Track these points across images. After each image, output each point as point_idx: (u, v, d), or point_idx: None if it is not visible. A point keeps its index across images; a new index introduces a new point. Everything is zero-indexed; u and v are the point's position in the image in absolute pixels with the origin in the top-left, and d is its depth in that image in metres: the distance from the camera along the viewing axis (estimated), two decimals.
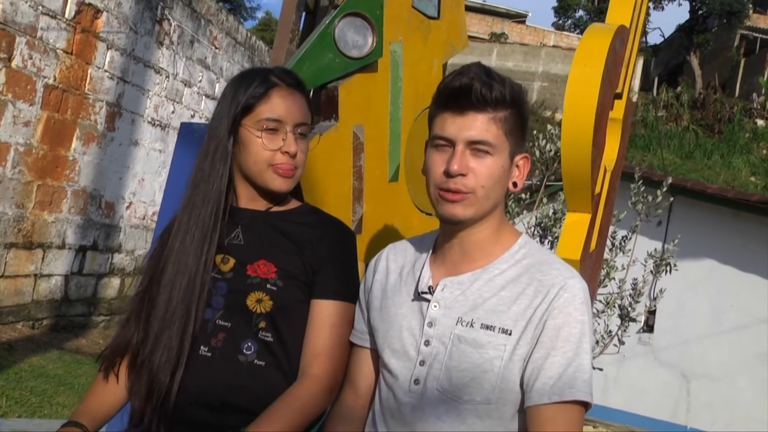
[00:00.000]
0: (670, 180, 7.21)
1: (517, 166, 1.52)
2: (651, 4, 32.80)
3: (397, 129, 2.42)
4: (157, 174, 8.59)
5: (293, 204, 1.80)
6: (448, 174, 1.44)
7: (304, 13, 2.66)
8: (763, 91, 23.54)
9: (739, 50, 28.93)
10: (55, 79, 6.68)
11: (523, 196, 7.05)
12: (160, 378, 1.58)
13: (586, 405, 1.39)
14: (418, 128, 2.51)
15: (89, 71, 7.08)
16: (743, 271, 9.08)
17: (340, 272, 1.71)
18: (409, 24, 2.45)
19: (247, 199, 1.75)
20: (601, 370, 5.80)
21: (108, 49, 7.29)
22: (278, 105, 1.67)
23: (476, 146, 1.44)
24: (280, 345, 1.63)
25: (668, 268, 7.58)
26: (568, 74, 2.25)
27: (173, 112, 8.66)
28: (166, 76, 8.37)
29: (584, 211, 2.45)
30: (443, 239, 1.57)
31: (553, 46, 27.17)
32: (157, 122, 8.37)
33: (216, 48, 9.30)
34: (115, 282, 8.22)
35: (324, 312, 1.67)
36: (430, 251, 1.60)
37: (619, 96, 2.67)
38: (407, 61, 2.44)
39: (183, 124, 2.63)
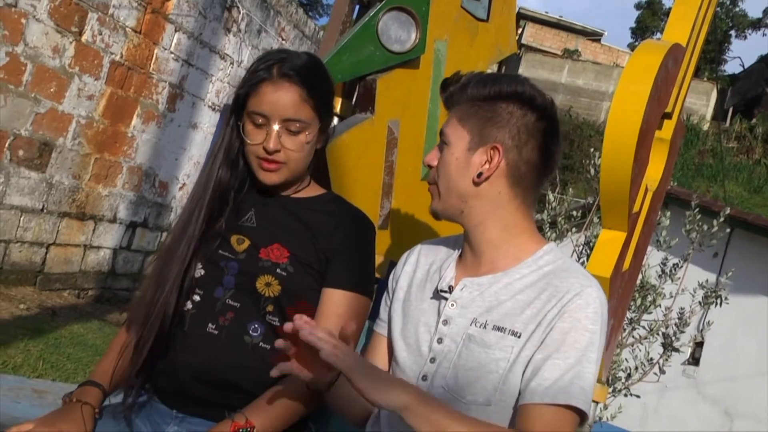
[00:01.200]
0: (728, 210, 7.01)
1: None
2: (733, 32, 32.00)
3: (434, 127, 2.41)
4: None
5: (316, 191, 1.81)
6: None
7: (358, 6, 2.67)
8: None
9: None
10: (121, 56, 6.84)
11: (574, 213, 6.96)
12: (145, 335, 1.62)
13: (581, 415, 1.36)
14: None
15: (155, 51, 7.24)
16: None
17: (354, 263, 1.71)
18: (457, 24, 2.44)
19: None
20: (638, 397, 5.68)
21: (176, 31, 7.43)
22: (263, 100, 1.65)
23: None
24: None
25: (719, 301, 7.38)
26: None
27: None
28: (231, 63, 8.49)
29: (620, 229, 2.40)
30: (464, 242, 1.57)
31: (614, 64, 26.74)
32: (217, 107, 8.50)
33: (283, 39, 9.41)
34: None
35: (332, 300, 1.67)
36: (459, 251, 1.59)
37: (669, 116, 2.61)
38: (451, 61, 2.42)
39: (225, 106, 2.67)
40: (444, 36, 2.40)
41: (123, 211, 7.51)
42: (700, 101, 24.73)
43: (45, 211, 6.53)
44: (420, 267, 1.63)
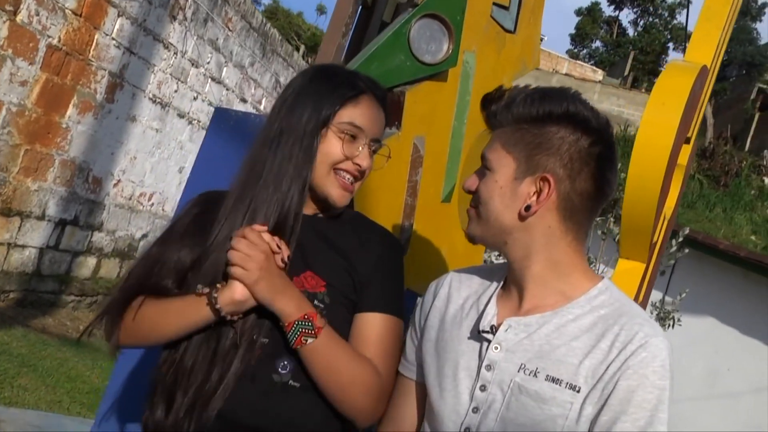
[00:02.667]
0: (687, 230, 7.13)
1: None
2: (671, 44, 33.07)
3: (458, 146, 2.30)
4: (150, 154, 8.42)
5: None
6: None
7: (360, 7, 2.55)
8: None
9: (755, 104, 29.16)
10: (59, 40, 6.51)
11: None
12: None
13: None
14: (477, 149, 2.39)
15: (96, 36, 6.92)
16: (745, 334, 9.02)
17: (388, 286, 1.62)
18: (486, 34, 2.34)
19: None
20: None
21: (119, 15, 7.13)
22: (364, 114, 1.60)
23: None
24: None
25: (672, 323, 7.50)
26: (642, 114, 2.14)
27: (176, 91, 8.50)
28: (174, 53, 8.21)
29: (639, 260, 2.35)
30: (508, 275, 1.46)
31: (566, 74, 27.27)
32: (158, 100, 8.20)
33: (229, 30, 9.16)
34: (91, 262, 8.03)
35: (370, 324, 1.56)
36: (500, 285, 1.47)
37: (688, 140, 2.57)
38: (478, 75, 2.32)
39: (218, 109, 2.51)
40: (473, 47, 2.29)
41: (52, 208, 7.15)
42: (638, 112, 25.38)
43: None
44: (452, 301, 1.51)
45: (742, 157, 22.68)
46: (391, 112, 2.14)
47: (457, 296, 1.51)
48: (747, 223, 19.66)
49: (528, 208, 1.36)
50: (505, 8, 2.39)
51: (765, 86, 29.52)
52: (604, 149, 1.38)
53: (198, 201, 1.68)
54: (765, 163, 22.91)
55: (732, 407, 8.59)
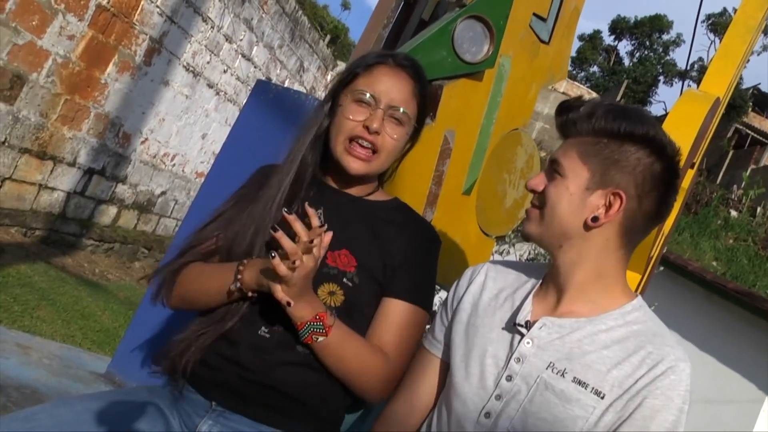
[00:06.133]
0: (665, 250, 7.10)
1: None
2: (662, 78, 32.97)
3: (484, 143, 2.25)
4: (177, 118, 8.33)
5: (384, 195, 1.64)
6: None
7: (403, 2, 2.49)
8: (743, 185, 23.71)
9: (730, 142, 29.17)
10: (108, 1, 6.41)
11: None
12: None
13: None
14: (500, 149, 2.34)
15: (142, 2, 6.82)
16: (701, 350, 9.01)
17: (418, 276, 1.55)
18: (523, 42, 2.28)
19: (338, 181, 1.59)
20: None
21: None
22: (377, 80, 1.51)
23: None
24: None
25: None
26: None
27: (208, 62, 8.40)
28: (211, 27, 8.11)
29: (637, 271, 2.31)
30: (548, 275, 1.40)
31: (563, 92, 27.14)
32: (191, 68, 8.11)
33: (264, 12, 9.06)
34: (112, 211, 7.96)
35: (394, 310, 1.50)
36: (536, 282, 1.42)
37: (692, 165, 2.53)
38: (511, 79, 2.26)
39: (259, 81, 2.45)
40: (509, 52, 2.24)
41: (83, 156, 7.07)
42: None
43: (6, 144, 6.07)
44: (487, 289, 1.46)
45: (714, 189, 22.67)
46: (429, 102, 2.10)
47: (492, 286, 1.46)
48: (710, 250, 19.68)
49: (595, 219, 1.31)
50: (543, 20, 2.33)
51: (741, 127, 29.53)
52: (673, 176, 1.33)
53: (254, 177, 1.62)
54: (733, 197, 22.91)
55: None
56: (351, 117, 1.50)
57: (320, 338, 1.38)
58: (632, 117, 1.33)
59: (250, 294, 1.41)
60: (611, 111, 1.34)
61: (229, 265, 1.45)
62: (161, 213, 8.90)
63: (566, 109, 1.39)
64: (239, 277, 1.41)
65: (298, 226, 1.34)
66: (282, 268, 1.31)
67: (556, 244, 1.36)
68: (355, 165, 1.51)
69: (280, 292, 1.34)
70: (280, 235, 1.32)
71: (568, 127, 1.38)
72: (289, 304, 1.34)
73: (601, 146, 1.32)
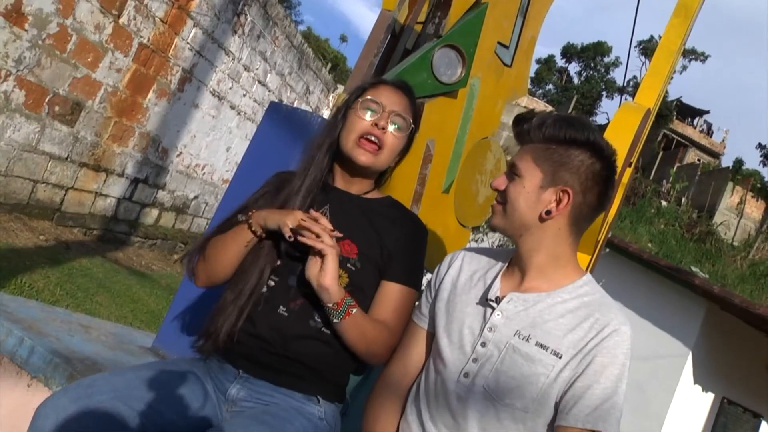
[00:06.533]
0: (610, 234, 7.10)
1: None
2: (605, 93, 32.97)
3: (459, 150, 2.24)
4: (206, 134, 8.30)
5: (379, 194, 1.62)
6: None
7: (390, 34, 2.47)
8: (671, 180, 23.79)
9: (660, 144, 29.27)
10: (148, 40, 6.38)
11: None
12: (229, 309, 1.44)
13: None
14: (473, 154, 2.33)
15: (176, 40, 6.78)
16: (641, 316, 9.03)
17: (410, 262, 1.54)
18: (489, 65, 2.27)
19: (343, 182, 1.57)
20: None
21: (194, 26, 6.99)
22: (382, 93, 1.54)
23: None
24: None
25: None
26: None
27: (230, 88, 8.37)
28: (233, 58, 8.07)
29: (587, 252, 2.31)
30: (513, 259, 1.40)
31: (524, 107, 27.16)
32: (216, 93, 8.07)
33: (276, 45, 9.02)
34: (154, 213, 7.93)
35: (391, 292, 1.49)
36: (503, 265, 1.41)
37: (630, 164, 2.53)
38: (480, 96, 2.25)
39: (272, 103, 2.41)
40: (479, 74, 2.23)
41: (130, 168, 7.04)
42: None
43: (69, 159, 6.03)
44: (463, 272, 1.45)
45: (648, 183, 22.75)
46: (418, 118, 2.09)
47: (468, 269, 1.46)
48: (646, 234, 19.75)
49: (548, 212, 1.30)
50: (506, 47, 2.32)
51: (668, 132, 29.61)
52: (611, 173, 1.33)
53: (271, 180, 1.60)
54: (663, 190, 23.00)
55: None
56: (362, 117, 1.51)
57: (355, 309, 1.40)
58: (575, 125, 1.32)
59: (258, 233, 1.43)
60: (558, 121, 1.33)
61: (237, 227, 1.47)
62: (194, 213, 8.87)
63: (521, 120, 1.39)
64: (249, 214, 1.44)
65: (323, 220, 1.38)
66: (327, 238, 1.36)
67: (517, 233, 1.35)
68: (363, 158, 1.51)
69: (327, 278, 1.36)
70: (317, 215, 1.36)
71: (523, 136, 1.38)
72: (326, 289, 1.36)
73: (551, 151, 1.32)
